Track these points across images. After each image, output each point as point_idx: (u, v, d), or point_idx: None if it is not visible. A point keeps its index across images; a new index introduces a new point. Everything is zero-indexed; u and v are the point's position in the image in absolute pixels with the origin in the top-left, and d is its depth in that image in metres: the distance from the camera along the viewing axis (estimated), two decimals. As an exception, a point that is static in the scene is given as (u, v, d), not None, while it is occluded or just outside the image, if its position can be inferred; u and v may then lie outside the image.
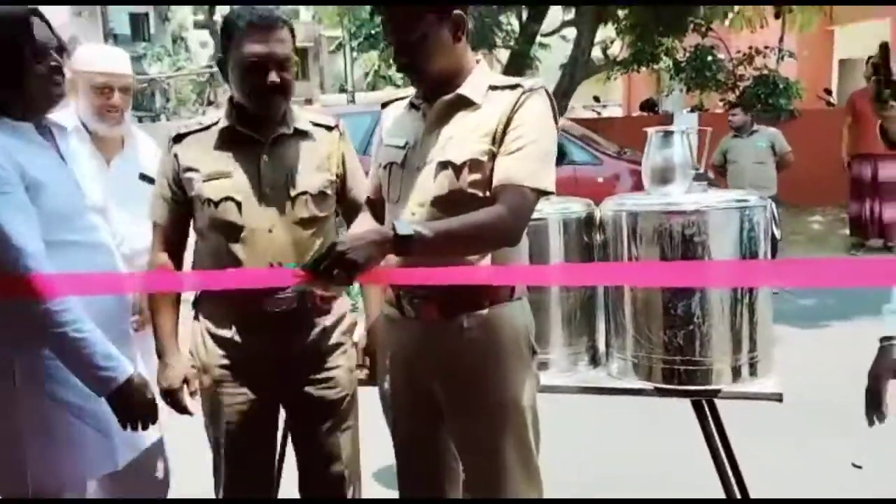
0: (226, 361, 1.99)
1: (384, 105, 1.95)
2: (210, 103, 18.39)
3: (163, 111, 18.02)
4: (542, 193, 1.67)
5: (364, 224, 1.90)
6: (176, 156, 1.98)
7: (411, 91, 1.86)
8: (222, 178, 1.92)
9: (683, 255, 2.13)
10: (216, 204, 1.91)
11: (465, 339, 1.72)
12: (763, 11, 10.86)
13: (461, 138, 1.69)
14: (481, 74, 1.75)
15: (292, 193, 1.93)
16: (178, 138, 1.99)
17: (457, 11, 1.69)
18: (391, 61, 1.79)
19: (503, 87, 1.72)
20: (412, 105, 1.82)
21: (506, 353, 1.74)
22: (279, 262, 1.89)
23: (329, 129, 2.04)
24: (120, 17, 20.76)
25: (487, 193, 1.67)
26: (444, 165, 1.69)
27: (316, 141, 2.00)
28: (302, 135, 1.98)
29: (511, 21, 10.36)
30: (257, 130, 1.94)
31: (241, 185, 1.92)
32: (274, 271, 1.85)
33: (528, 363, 1.79)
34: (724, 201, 2.16)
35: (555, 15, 10.76)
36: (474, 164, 1.67)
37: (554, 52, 11.53)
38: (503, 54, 11.57)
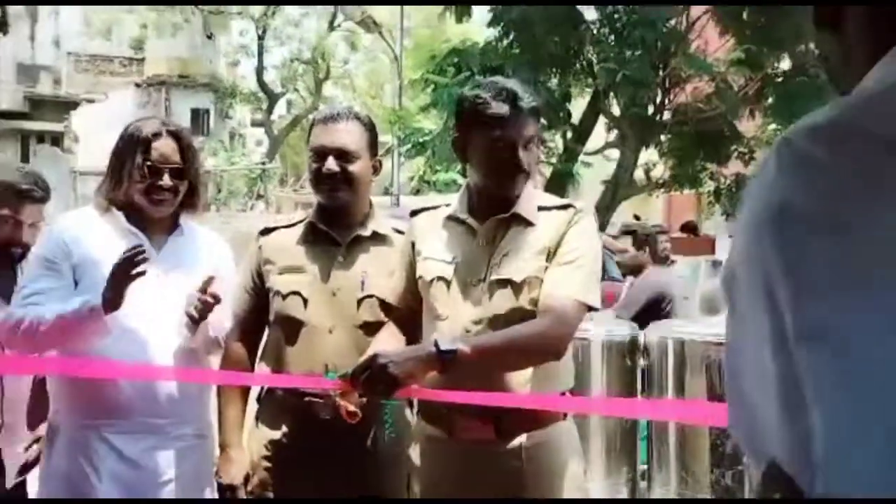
0: (269, 464, 1.94)
1: (413, 213, 1.93)
2: (259, 197, 18.94)
3: (214, 202, 18.59)
4: (589, 308, 1.65)
5: (389, 337, 1.83)
6: (260, 248, 2.02)
7: (440, 200, 1.87)
8: (295, 273, 1.95)
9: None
10: (284, 297, 1.93)
11: (523, 462, 1.65)
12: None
13: (518, 256, 1.69)
14: (532, 194, 1.78)
15: (359, 296, 1.93)
16: (266, 231, 2.04)
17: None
18: (498, 161, 1.70)
19: (552, 208, 1.74)
20: (454, 219, 1.80)
21: (568, 474, 1.68)
22: (335, 364, 1.86)
23: None
24: (182, 111, 21.79)
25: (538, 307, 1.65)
26: (501, 284, 1.68)
27: (394, 247, 1.99)
28: (380, 239, 1.99)
29: (555, 139, 10.62)
30: (336, 230, 1.97)
31: (311, 282, 1.93)
32: (315, 378, 1.83)
33: (582, 485, 1.72)
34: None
35: (599, 135, 11.01)
36: (532, 282, 1.67)
37: (596, 169, 11.73)
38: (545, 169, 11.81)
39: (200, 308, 1.91)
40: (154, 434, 1.95)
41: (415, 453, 1.83)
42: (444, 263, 1.76)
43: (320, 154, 1.92)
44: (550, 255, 1.67)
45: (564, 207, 1.72)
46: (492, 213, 1.73)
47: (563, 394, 1.74)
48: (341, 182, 1.92)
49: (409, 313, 1.83)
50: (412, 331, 1.82)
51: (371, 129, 1.99)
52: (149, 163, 1.97)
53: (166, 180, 1.97)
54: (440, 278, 1.76)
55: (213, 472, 2.07)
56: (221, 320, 2.03)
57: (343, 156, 1.91)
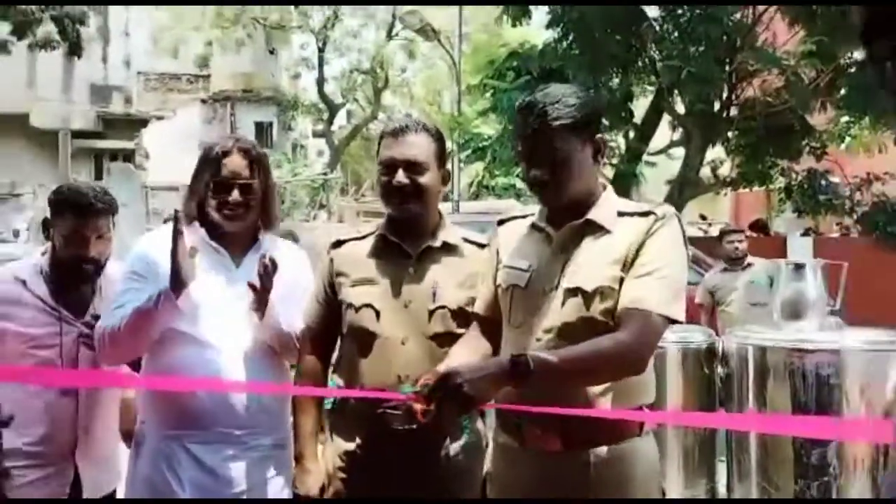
0: (344, 475, 1.95)
1: (500, 222, 1.93)
2: (322, 207, 19.23)
3: (280, 213, 18.94)
4: (670, 321, 1.60)
5: (469, 345, 1.84)
6: (332, 260, 2.04)
7: (528, 209, 1.85)
8: (367, 285, 1.96)
9: (818, 396, 1.98)
10: (357, 309, 1.94)
11: (591, 476, 1.63)
12: (882, 137, 10.54)
13: (590, 265, 1.66)
14: (609, 199, 1.74)
15: (431, 307, 1.92)
16: (338, 244, 2.06)
17: (599, 135, 1.70)
18: (524, 177, 1.77)
19: (633, 214, 1.69)
20: (535, 227, 1.80)
21: (636, 493, 1.64)
22: (408, 375, 1.86)
23: (481, 246, 2.03)
24: (247, 125, 22.33)
25: (616, 321, 1.61)
26: (573, 292, 1.66)
27: (465, 257, 1.99)
28: (450, 249, 1.99)
29: (617, 139, 10.45)
30: (406, 241, 1.98)
31: (383, 294, 1.94)
32: (391, 393, 1.81)
33: None
34: (866, 341, 2.01)
35: (663, 134, 10.80)
36: (605, 292, 1.63)
37: (661, 169, 11.50)
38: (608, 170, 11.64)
39: (262, 274, 1.94)
40: (232, 444, 1.99)
41: (490, 459, 1.83)
42: (519, 271, 1.76)
43: (390, 167, 1.93)
44: (627, 264, 1.63)
45: (645, 214, 1.68)
46: (567, 221, 1.71)
47: (641, 408, 1.68)
48: (411, 194, 1.92)
49: (496, 322, 1.82)
50: (498, 339, 1.81)
51: (439, 139, 1.99)
52: (217, 179, 2.03)
53: (235, 196, 2.03)
54: (515, 286, 1.75)
55: (292, 482, 2.09)
56: (292, 316, 2.05)
57: (412, 168, 1.92)
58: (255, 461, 2.01)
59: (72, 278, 2.22)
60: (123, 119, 21.29)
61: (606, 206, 1.71)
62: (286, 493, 2.06)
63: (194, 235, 2.07)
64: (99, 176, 17.93)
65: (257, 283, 1.95)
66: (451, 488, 1.93)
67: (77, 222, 2.16)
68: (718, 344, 2.29)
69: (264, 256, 1.95)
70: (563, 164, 1.66)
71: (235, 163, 2.04)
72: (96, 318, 2.16)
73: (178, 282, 1.91)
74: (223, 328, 1.99)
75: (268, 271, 1.94)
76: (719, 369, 2.27)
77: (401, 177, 1.91)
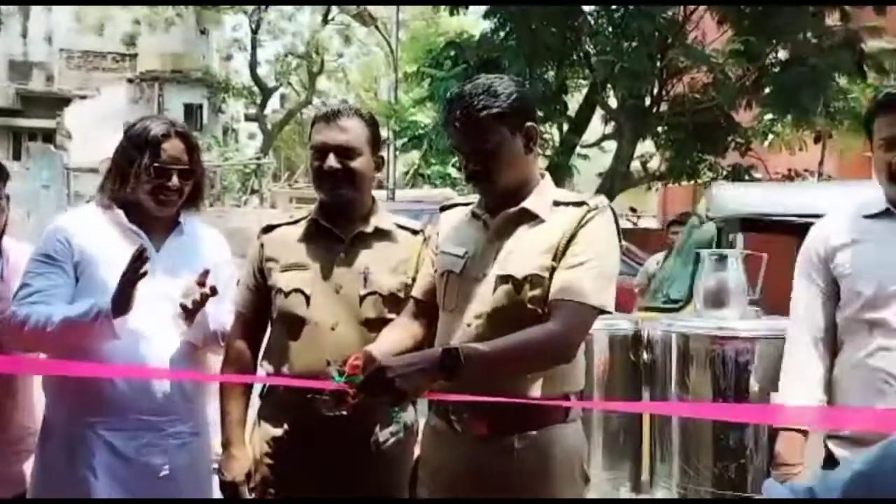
0: (271, 461, 1.93)
1: (443, 209, 1.94)
2: (254, 192, 18.90)
3: (208, 197, 18.56)
4: (600, 312, 1.62)
5: (401, 327, 1.84)
6: (262, 245, 2.01)
7: (471, 197, 1.87)
8: (297, 270, 1.93)
9: (736, 382, 2.05)
10: (286, 294, 1.92)
11: (515, 460, 1.65)
12: (803, 136, 10.98)
13: (523, 252, 1.67)
14: (546, 189, 1.75)
15: (362, 292, 1.91)
16: (268, 229, 2.03)
17: (530, 123, 1.71)
18: (461, 169, 1.79)
19: (568, 204, 1.71)
20: (474, 214, 1.80)
21: (557, 478, 1.66)
22: (336, 361, 1.84)
23: (414, 232, 2.03)
24: (175, 107, 21.70)
25: (546, 309, 1.63)
26: (504, 279, 1.66)
27: (397, 243, 1.99)
28: (383, 235, 1.98)
29: (551, 131, 10.60)
30: (338, 226, 1.96)
31: (314, 279, 1.92)
32: (323, 381, 1.80)
33: (579, 490, 1.71)
34: (782, 330, 2.09)
35: (595, 127, 10.99)
36: (535, 280, 1.64)
37: (593, 161, 11.72)
38: (541, 162, 11.79)
39: (197, 301, 1.90)
40: (149, 431, 1.94)
41: (422, 441, 1.85)
42: (455, 257, 1.77)
43: (322, 151, 1.91)
44: (559, 253, 1.65)
45: (579, 204, 1.70)
46: (503, 209, 1.72)
47: (567, 396, 1.70)
48: (343, 179, 1.90)
49: (433, 306, 1.83)
50: (435, 324, 1.83)
51: (372, 124, 1.98)
52: (157, 164, 1.96)
53: (175, 181, 1.97)
54: (450, 272, 1.76)
55: (211, 469, 2.07)
56: (221, 315, 2.02)
57: (344, 153, 1.90)
58: (172, 448, 1.97)
59: None
60: (44, 97, 20.43)
61: (542, 196, 1.73)
62: (208, 481, 2.03)
63: (114, 220, 2.00)
64: (17, 156, 17.16)
65: (188, 302, 1.91)
66: (381, 474, 1.92)
67: None
68: (644, 331, 2.34)
69: (202, 279, 1.90)
70: (492, 155, 1.67)
71: (176, 147, 1.98)
72: None
73: (121, 308, 1.84)
74: (143, 315, 1.92)
75: (203, 297, 1.90)
76: (644, 356, 2.33)
77: (332, 161, 1.89)
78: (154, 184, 1.96)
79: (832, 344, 1.81)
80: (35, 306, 1.90)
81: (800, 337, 1.85)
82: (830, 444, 1.77)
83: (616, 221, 1.70)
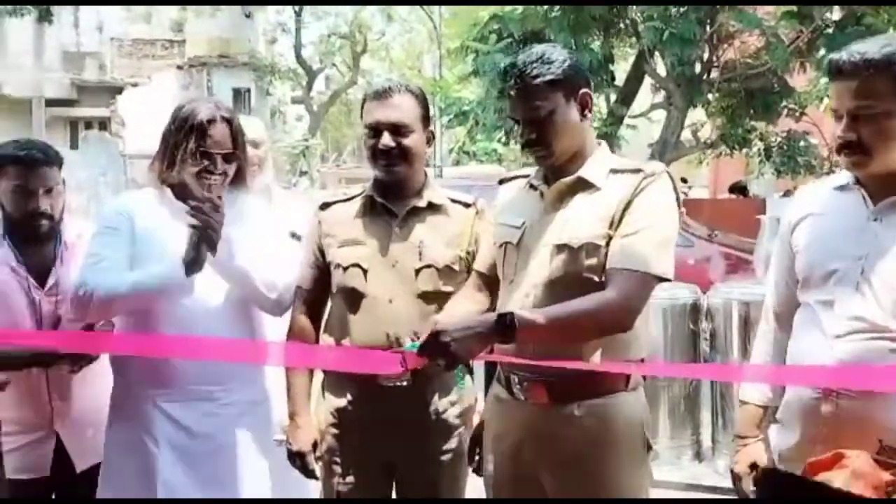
0: (336, 431, 1.98)
1: (502, 181, 1.96)
2: (303, 174, 19.11)
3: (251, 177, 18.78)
4: (659, 279, 1.63)
5: (466, 297, 1.88)
6: (320, 222, 2.05)
7: (528, 170, 1.87)
8: (355, 245, 1.97)
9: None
10: (345, 269, 1.96)
11: (576, 428, 1.66)
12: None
13: (579, 221, 1.67)
14: (602, 157, 1.75)
15: (417, 266, 1.94)
16: (325, 206, 2.07)
17: (584, 90, 1.71)
18: (519, 137, 1.77)
19: (625, 171, 1.70)
20: (531, 186, 1.81)
21: (619, 446, 1.67)
22: (396, 334, 1.88)
23: (467, 205, 2.04)
24: (224, 91, 21.99)
25: (604, 278, 1.63)
26: (560, 248, 1.67)
27: (450, 217, 2.01)
28: (436, 209, 2.00)
29: (599, 102, 10.46)
30: (392, 202, 1.99)
31: (371, 254, 1.95)
32: (380, 354, 1.84)
33: (642, 459, 1.71)
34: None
35: (644, 96, 10.80)
36: (591, 248, 1.65)
37: (641, 132, 11.52)
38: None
39: (204, 209, 1.91)
40: (206, 401, 2.00)
41: (485, 409, 1.87)
42: (512, 228, 1.78)
43: (375, 130, 1.93)
44: (615, 221, 1.64)
45: (635, 171, 1.69)
46: (560, 178, 1.73)
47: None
48: (397, 157, 1.93)
49: (494, 277, 1.85)
50: (497, 294, 1.84)
51: (423, 100, 1.99)
52: (203, 149, 2.00)
53: (219, 165, 2.02)
54: (508, 243, 1.78)
55: (272, 439, 2.13)
56: (271, 273, 2.04)
57: (398, 130, 1.92)
58: (231, 417, 2.02)
59: (28, 237, 2.17)
60: (98, 86, 20.91)
61: (598, 164, 1.72)
62: (267, 449, 2.08)
63: (166, 201, 2.05)
64: (75, 145, 17.64)
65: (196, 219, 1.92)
66: (440, 443, 1.97)
67: (20, 175, 2.11)
68: (703, 300, 2.32)
69: (210, 196, 1.94)
70: (547, 122, 1.67)
71: (221, 132, 2.01)
72: (58, 287, 2.16)
73: (193, 265, 1.90)
74: (199, 291, 1.97)
75: (215, 207, 1.92)
76: (704, 324, 2.31)
77: (387, 140, 1.91)
78: (199, 167, 2.00)
79: (788, 320, 1.66)
80: (103, 275, 1.95)
81: (765, 311, 1.78)
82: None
83: (674, 188, 1.69)
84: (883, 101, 1.45)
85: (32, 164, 2.13)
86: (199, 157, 2.00)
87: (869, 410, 1.45)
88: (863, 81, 1.46)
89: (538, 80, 1.66)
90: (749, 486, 1.70)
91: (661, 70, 9.52)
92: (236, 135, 2.05)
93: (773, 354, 1.72)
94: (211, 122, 2.00)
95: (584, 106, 1.71)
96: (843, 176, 1.62)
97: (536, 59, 1.67)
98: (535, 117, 1.68)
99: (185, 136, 2.00)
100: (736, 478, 1.73)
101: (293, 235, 2.42)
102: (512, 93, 1.70)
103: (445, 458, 1.97)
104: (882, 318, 1.46)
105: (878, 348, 1.45)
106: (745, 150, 10.83)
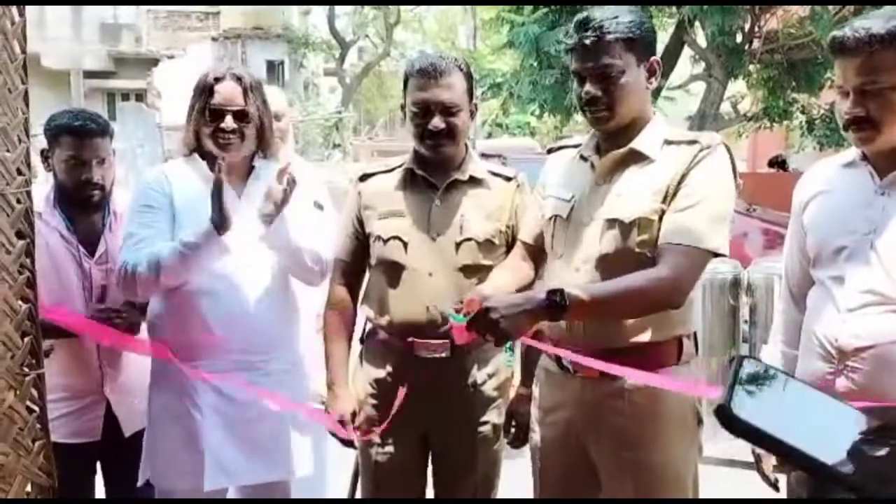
0: (375, 402, 2.00)
1: (550, 150, 1.92)
2: (336, 146, 19.15)
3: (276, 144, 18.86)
4: (713, 255, 1.59)
5: (505, 273, 1.85)
6: (360, 193, 2.05)
7: (579, 139, 1.83)
8: (395, 217, 1.97)
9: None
10: (385, 241, 1.96)
11: (627, 402, 1.65)
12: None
13: (631, 195, 1.63)
14: (656, 127, 1.69)
15: (458, 239, 1.94)
16: (364, 177, 2.07)
17: (655, 57, 1.66)
18: (580, 95, 1.68)
19: (680, 142, 1.65)
20: (582, 157, 1.77)
21: (669, 421, 1.66)
22: (436, 307, 1.89)
23: (507, 179, 2.03)
24: (258, 63, 22.05)
25: (656, 253, 1.59)
26: (611, 223, 1.64)
27: (491, 190, 2.00)
28: (476, 182, 1.99)
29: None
30: (433, 175, 1.98)
31: (411, 227, 1.95)
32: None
33: (693, 433, 1.69)
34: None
35: (683, 68, 10.59)
36: (643, 224, 1.61)
37: (679, 104, 11.31)
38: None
39: (278, 198, 1.94)
40: (246, 370, 2.03)
41: (536, 381, 1.86)
42: (562, 201, 1.74)
43: (425, 110, 1.90)
44: (669, 195, 1.60)
45: (691, 143, 1.63)
46: (612, 149, 1.68)
47: (681, 340, 1.67)
48: (445, 136, 1.91)
49: (539, 249, 1.83)
50: (542, 265, 1.83)
51: (469, 75, 1.96)
52: (211, 106, 2.02)
53: (229, 122, 2.01)
54: (557, 216, 1.74)
55: (307, 399, 2.16)
56: (301, 232, 2.04)
57: (448, 111, 1.90)
58: (271, 386, 2.05)
59: (80, 206, 2.20)
60: (134, 58, 21.09)
61: (652, 134, 1.67)
62: (300, 419, 2.10)
63: (196, 169, 2.07)
64: (112, 116, 17.87)
65: (277, 197, 1.94)
66: (477, 416, 1.98)
67: (74, 145, 2.14)
68: (744, 275, 2.29)
69: (286, 171, 1.94)
70: (616, 80, 1.61)
71: (228, 89, 2.02)
72: (107, 255, 2.19)
73: (221, 223, 1.91)
74: (233, 259, 2.00)
75: (290, 186, 1.94)
76: (744, 299, 2.28)
77: (437, 122, 1.89)
78: (211, 127, 2.02)
79: (802, 299, 1.67)
80: (142, 251, 1.98)
81: (783, 290, 1.79)
82: None
83: (731, 160, 1.64)
84: (889, 75, 1.46)
85: (86, 134, 2.15)
86: (208, 115, 2.02)
87: (883, 386, 1.45)
88: (868, 57, 1.47)
89: (615, 36, 1.60)
90: (770, 468, 1.69)
91: (701, 40, 9.31)
92: (247, 92, 2.04)
93: (786, 333, 1.73)
94: (218, 79, 2.03)
95: (652, 73, 1.66)
96: (850, 153, 1.62)
97: (615, 17, 1.61)
98: (605, 73, 1.61)
99: (196, 97, 2.05)
100: (757, 459, 1.72)
101: (316, 205, 2.44)
102: (586, 43, 1.61)
103: (482, 430, 1.98)
104: (893, 290, 1.47)
105: (891, 320, 1.46)
106: (785, 123, 10.59)
